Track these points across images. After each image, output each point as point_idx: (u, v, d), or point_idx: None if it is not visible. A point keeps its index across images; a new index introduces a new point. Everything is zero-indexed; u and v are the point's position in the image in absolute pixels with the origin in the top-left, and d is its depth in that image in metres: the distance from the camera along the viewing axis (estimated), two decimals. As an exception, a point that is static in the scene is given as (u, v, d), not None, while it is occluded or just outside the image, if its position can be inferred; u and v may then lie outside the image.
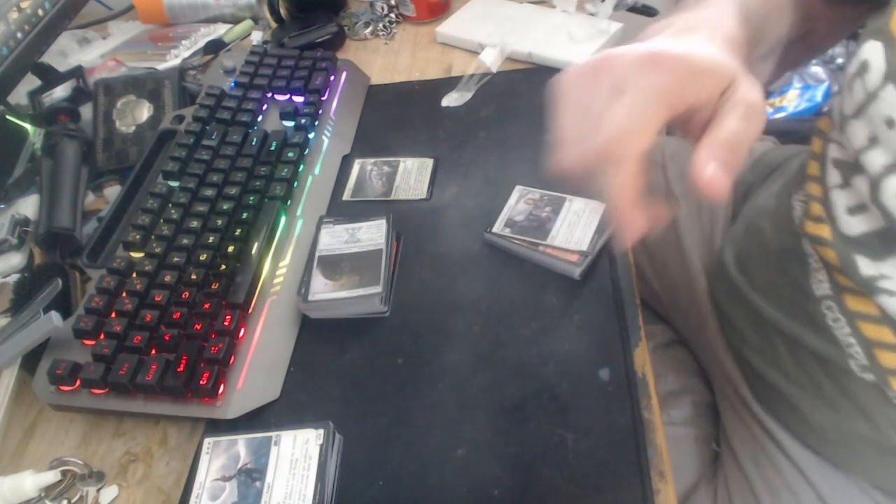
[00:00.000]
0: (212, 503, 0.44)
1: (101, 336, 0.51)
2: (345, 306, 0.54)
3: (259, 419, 0.49)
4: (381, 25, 0.88)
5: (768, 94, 1.53)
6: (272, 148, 0.65)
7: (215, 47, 0.89)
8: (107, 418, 0.53)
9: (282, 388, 0.51)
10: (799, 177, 0.54)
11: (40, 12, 0.74)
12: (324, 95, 0.73)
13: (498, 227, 0.57)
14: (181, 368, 0.48)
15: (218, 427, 0.49)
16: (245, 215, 0.59)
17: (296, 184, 0.63)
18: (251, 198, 0.60)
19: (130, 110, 0.75)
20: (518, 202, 0.59)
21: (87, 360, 0.50)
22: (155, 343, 0.51)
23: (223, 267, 0.55)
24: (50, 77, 0.82)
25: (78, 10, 0.82)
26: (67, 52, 0.93)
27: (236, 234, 0.58)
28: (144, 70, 0.84)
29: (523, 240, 0.55)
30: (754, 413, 0.61)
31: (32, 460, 0.51)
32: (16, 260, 0.63)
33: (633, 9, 0.81)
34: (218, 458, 0.46)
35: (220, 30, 0.93)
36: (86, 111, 0.76)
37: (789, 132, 0.79)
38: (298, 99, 0.72)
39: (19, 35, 0.71)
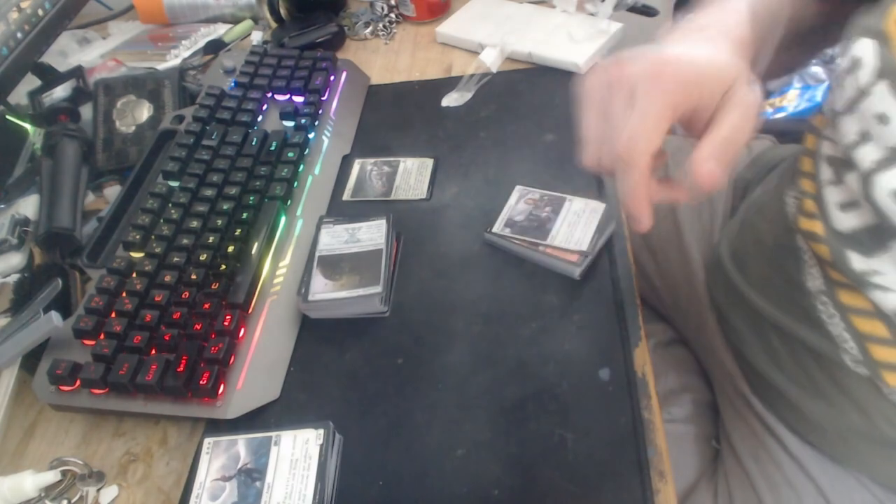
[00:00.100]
0: (212, 503, 0.44)
1: (101, 336, 0.51)
2: (345, 306, 0.54)
3: (259, 419, 0.49)
4: (381, 25, 0.88)
5: (768, 94, 1.53)
6: (272, 148, 0.65)
7: (215, 47, 0.89)
8: (107, 418, 0.53)
9: (282, 388, 0.51)
10: (793, 173, 0.55)
11: (40, 12, 0.74)
12: (324, 95, 0.73)
13: (498, 227, 0.57)
14: (181, 368, 0.49)
15: (218, 427, 0.49)
16: (245, 215, 0.59)
17: (296, 184, 0.63)
18: (251, 198, 0.60)
19: (130, 110, 0.75)
20: (518, 202, 0.59)
21: (87, 360, 0.50)
22: (155, 343, 0.51)
23: (223, 267, 0.55)
24: (50, 77, 0.82)
25: (78, 10, 0.82)
26: (67, 52, 0.93)
27: (236, 234, 0.58)
28: (144, 70, 0.84)
29: (523, 240, 0.55)
30: (753, 409, 0.61)
31: (32, 460, 0.51)
32: (16, 260, 0.63)
33: (633, 9, 0.81)
34: (218, 458, 0.46)
35: (220, 30, 0.93)
36: (86, 111, 0.77)
37: (789, 132, 0.79)
38: (298, 99, 0.72)
39: (19, 35, 0.71)
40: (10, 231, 0.64)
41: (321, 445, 0.45)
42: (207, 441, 0.47)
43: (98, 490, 0.48)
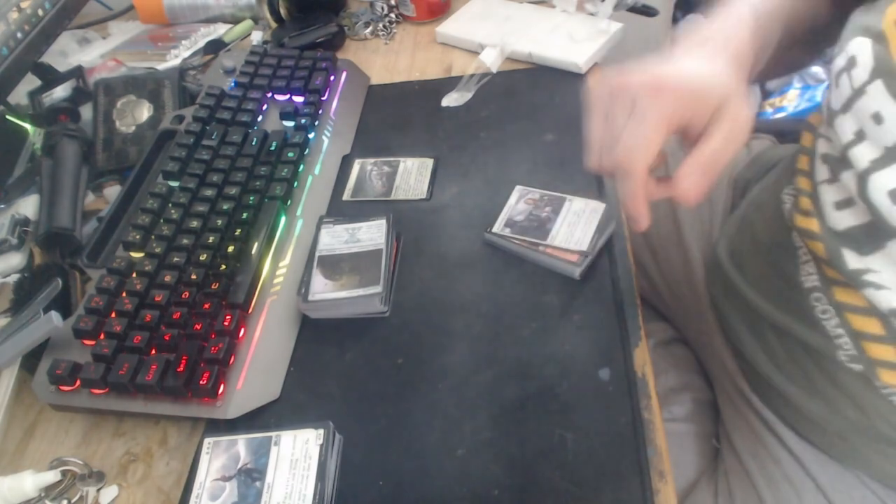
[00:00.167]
0: (212, 503, 0.44)
1: (101, 336, 0.51)
2: (345, 306, 0.54)
3: (259, 419, 0.49)
4: (381, 25, 0.88)
5: (768, 95, 1.53)
6: (272, 148, 0.65)
7: (215, 47, 0.89)
8: (107, 418, 0.53)
9: (282, 388, 0.51)
10: (789, 171, 0.55)
11: (40, 12, 0.74)
12: (324, 95, 0.73)
13: (498, 227, 0.57)
14: (181, 368, 0.49)
15: (218, 427, 0.49)
16: (245, 215, 0.59)
17: (296, 184, 0.63)
18: (251, 198, 0.60)
19: (130, 110, 0.75)
20: (518, 202, 0.59)
21: (87, 360, 0.50)
22: (155, 343, 0.51)
23: (223, 267, 0.55)
24: (50, 77, 0.82)
25: (78, 10, 0.82)
26: (67, 52, 0.93)
27: (236, 234, 0.58)
28: (144, 70, 0.84)
29: (523, 240, 0.55)
30: (753, 407, 0.62)
31: (32, 460, 0.51)
32: (16, 260, 0.63)
33: (633, 9, 0.81)
34: (218, 458, 0.46)
35: (220, 30, 0.93)
36: (86, 111, 0.77)
37: (789, 132, 0.79)
38: (298, 99, 0.72)
39: (19, 35, 0.71)
40: (10, 231, 0.64)
41: (321, 445, 0.45)
42: (207, 441, 0.47)
43: (98, 490, 0.48)
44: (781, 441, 0.59)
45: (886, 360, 0.48)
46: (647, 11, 0.82)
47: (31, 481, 0.47)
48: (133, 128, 0.74)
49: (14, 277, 0.60)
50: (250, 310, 0.54)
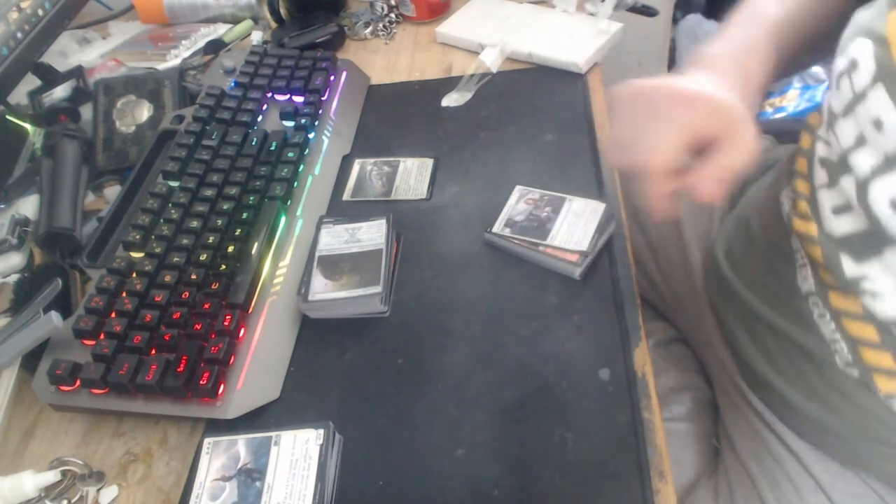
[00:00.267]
0: (212, 503, 0.44)
1: (101, 336, 0.51)
2: (345, 306, 0.54)
3: (259, 419, 0.49)
4: (381, 25, 0.88)
5: (768, 95, 1.53)
6: (272, 148, 0.65)
7: (215, 47, 0.89)
8: (107, 418, 0.53)
9: (282, 388, 0.51)
10: (788, 172, 0.55)
11: (40, 12, 0.75)
12: (324, 95, 0.73)
13: (498, 227, 0.57)
14: (181, 368, 0.49)
15: (218, 427, 0.49)
16: (245, 215, 0.59)
17: (296, 184, 0.63)
18: (251, 198, 0.60)
19: (130, 110, 0.75)
20: (518, 202, 0.59)
21: (87, 360, 0.50)
22: (155, 343, 0.51)
23: (223, 267, 0.55)
24: (50, 77, 0.82)
25: (78, 10, 0.82)
26: (67, 52, 0.93)
27: (236, 234, 0.58)
28: (144, 70, 0.84)
29: (523, 240, 0.55)
30: (752, 405, 0.61)
31: (32, 460, 0.51)
32: (16, 260, 0.63)
33: (633, 9, 0.81)
34: (218, 458, 0.46)
35: (220, 30, 0.93)
36: (86, 111, 0.76)
37: (789, 132, 0.79)
38: (298, 99, 0.72)
39: (19, 35, 0.71)
40: (10, 231, 0.64)
41: (321, 445, 0.45)
42: (207, 441, 0.47)
43: (98, 490, 0.48)
44: (782, 440, 0.59)
45: (882, 367, 0.48)
46: (647, 11, 0.82)
47: (31, 481, 0.47)
48: (133, 128, 0.74)
49: (14, 277, 0.60)
50: (250, 310, 0.54)
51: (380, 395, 0.49)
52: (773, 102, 1.49)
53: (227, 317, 0.51)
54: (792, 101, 1.47)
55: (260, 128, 0.69)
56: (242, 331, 0.52)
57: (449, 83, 0.75)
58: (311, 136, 0.68)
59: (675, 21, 1.45)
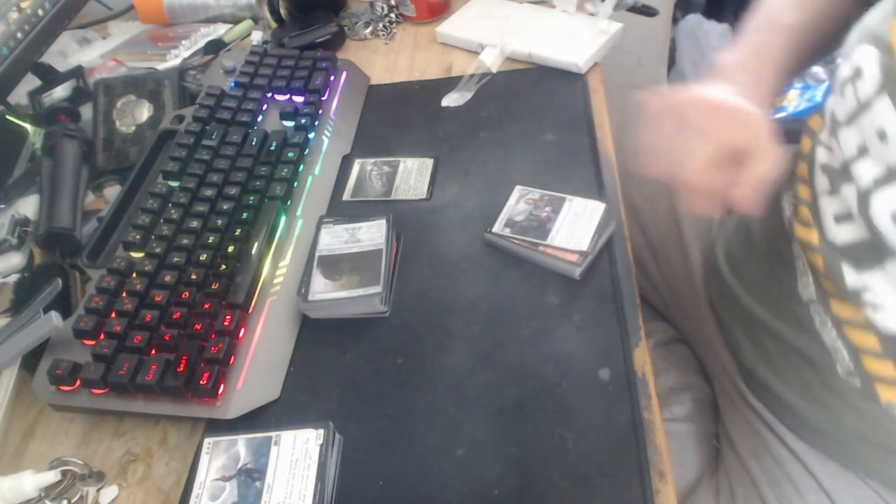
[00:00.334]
0: (212, 503, 0.44)
1: (101, 336, 0.51)
2: (345, 306, 0.54)
3: (259, 419, 0.49)
4: (381, 25, 0.88)
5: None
6: (272, 148, 0.65)
7: (215, 47, 0.89)
8: (107, 418, 0.53)
9: (282, 388, 0.51)
10: (790, 177, 0.55)
11: (40, 12, 0.74)
12: (324, 95, 0.73)
13: (498, 227, 0.57)
14: (181, 368, 0.49)
15: (218, 427, 0.49)
16: (245, 215, 0.59)
17: (296, 184, 0.63)
18: (251, 198, 0.60)
19: (130, 110, 0.75)
20: (518, 202, 0.59)
21: (87, 360, 0.50)
22: (155, 343, 0.51)
23: (223, 267, 0.55)
24: (50, 77, 0.81)
25: (78, 10, 0.82)
26: (67, 52, 0.93)
27: (236, 234, 0.58)
28: (144, 70, 0.84)
29: (523, 240, 0.55)
30: (752, 406, 0.61)
31: (32, 460, 0.51)
32: (16, 260, 0.63)
33: (633, 9, 0.81)
34: (218, 458, 0.46)
35: (220, 30, 0.93)
36: (86, 111, 0.76)
37: (789, 132, 0.79)
38: (298, 99, 0.72)
39: (19, 35, 0.71)
40: (10, 231, 0.64)
41: (321, 445, 0.45)
42: (207, 441, 0.47)
43: (98, 490, 0.48)
44: (782, 441, 0.59)
45: (884, 376, 0.48)
46: (647, 11, 0.82)
47: (31, 481, 0.47)
48: (133, 128, 0.74)
49: (14, 277, 0.60)
50: (250, 310, 0.54)
51: (380, 395, 0.49)
52: (773, 102, 1.49)
53: (227, 317, 0.51)
54: (792, 101, 1.47)
55: (260, 128, 0.69)
56: (242, 331, 0.52)
57: (449, 83, 0.75)
58: (311, 136, 0.68)
59: (675, 21, 1.45)
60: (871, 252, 0.44)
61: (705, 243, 0.74)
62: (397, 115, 0.74)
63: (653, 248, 0.79)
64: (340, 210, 0.64)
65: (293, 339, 0.54)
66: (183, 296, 0.53)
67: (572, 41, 0.75)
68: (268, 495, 0.43)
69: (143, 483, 0.48)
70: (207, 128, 0.68)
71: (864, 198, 0.42)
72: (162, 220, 0.59)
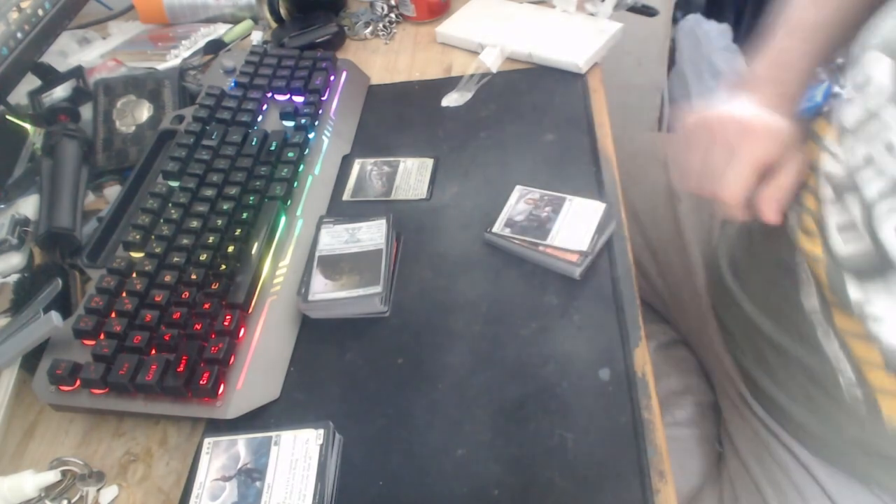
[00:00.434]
0: (212, 503, 0.44)
1: (101, 336, 0.51)
2: (345, 306, 0.54)
3: (259, 419, 0.49)
4: (381, 25, 0.88)
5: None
6: (272, 148, 0.65)
7: (215, 47, 0.89)
8: (107, 418, 0.53)
9: (282, 388, 0.51)
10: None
11: (40, 12, 0.74)
12: (324, 95, 0.73)
13: (498, 227, 0.57)
14: (181, 368, 0.49)
15: (218, 427, 0.49)
16: (245, 215, 0.59)
17: (296, 184, 0.63)
18: (251, 198, 0.60)
19: (130, 110, 0.75)
20: (518, 202, 0.59)
21: (87, 360, 0.50)
22: (155, 343, 0.51)
23: (223, 267, 0.55)
24: (50, 77, 0.81)
25: (78, 10, 0.82)
26: (67, 52, 0.93)
27: (236, 234, 0.58)
28: (144, 70, 0.84)
29: (523, 240, 0.55)
30: (755, 412, 0.61)
31: (32, 460, 0.51)
32: (16, 260, 0.63)
33: (633, 9, 0.81)
34: (218, 458, 0.46)
35: (220, 30, 0.93)
36: (86, 111, 0.76)
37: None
38: (298, 99, 0.72)
39: (19, 35, 0.71)
40: (10, 231, 0.64)
41: (321, 445, 0.45)
42: (207, 441, 0.47)
43: (98, 490, 0.48)
44: (786, 446, 0.58)
45: (887, 389, 0.47)
46: (647, 11, 0.82)
47: (31, 481, 0.47)
48: (133, 128, 0.74)
49: (14, 277, 0.60)
50: (250, 310, 0.54)
51: (380, 395, 0.49)
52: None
53: (227, 317, 0.51)
54: (792, 101, 1.46)
55: (260, 128, 0.69)
56: (242, 331, 0.52)
57: (449, 83, 0.76)
58: (311, 136, 0.68)
59: (675, 21, 1.45)
60: (874, 264, 0.43)
61: (706, 246, 0.73)
62: (397, 115, 0.74)
63: (653, 249, 0.78)
64: (340, 210, 0.64)
65: (293, 339, 0.54)
66: (183, 296, 0.53)
67: (572, 41, 0.75)
68: (268, 495, 0.43)
69: (143, 483, 0.48)
70: (207, 128, 0.68)
71: (868, 209, 0.42)
72: (162, 220, 0.59)
